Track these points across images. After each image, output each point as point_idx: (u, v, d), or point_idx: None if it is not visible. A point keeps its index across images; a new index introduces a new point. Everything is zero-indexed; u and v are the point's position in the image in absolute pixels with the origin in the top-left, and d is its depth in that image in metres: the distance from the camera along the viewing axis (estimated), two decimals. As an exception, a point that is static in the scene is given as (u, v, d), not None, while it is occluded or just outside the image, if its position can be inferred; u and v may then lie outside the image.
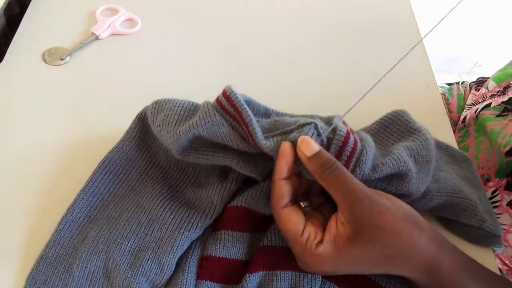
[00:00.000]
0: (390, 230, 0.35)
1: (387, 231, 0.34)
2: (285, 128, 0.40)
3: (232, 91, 0.39)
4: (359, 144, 0.39)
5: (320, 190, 0.43)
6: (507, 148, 0.58)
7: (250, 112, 0.39)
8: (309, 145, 0.37)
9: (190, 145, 0.43)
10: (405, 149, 0.41)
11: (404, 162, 0.39)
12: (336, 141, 0.38)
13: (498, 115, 0.62)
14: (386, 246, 0.35)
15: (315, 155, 0.36)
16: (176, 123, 0.41)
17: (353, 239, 0.35)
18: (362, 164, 0.38)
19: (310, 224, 0.37)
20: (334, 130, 0.39)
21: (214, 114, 0.39)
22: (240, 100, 0.39)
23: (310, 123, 0.39)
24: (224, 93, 0.40)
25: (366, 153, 0.38)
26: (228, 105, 0.39)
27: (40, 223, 0.45)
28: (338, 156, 0.38)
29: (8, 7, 0.66)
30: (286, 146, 0.37)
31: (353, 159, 0.38)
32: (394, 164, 0.39)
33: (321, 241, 0.36)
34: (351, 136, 0.39)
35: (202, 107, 0.41)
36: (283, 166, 0.37)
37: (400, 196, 0.41)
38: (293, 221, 0.37)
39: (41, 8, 0.66)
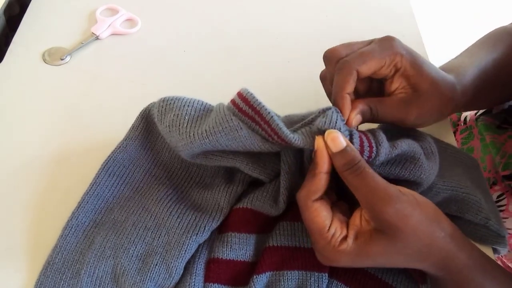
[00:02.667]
0: (411, 232, 0.35)
1: (408, 233, 0.35)
2: (307, 119, 0.40)
3: (249, 92, 0.38)
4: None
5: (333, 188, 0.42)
6: (506, 173, 0.58)
7: (270, 110, 0.38)
8: (336, 141, 0.36)
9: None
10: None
11: (416, 145, 0.40)
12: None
13: (498, 126, 0.61)
14: (406, 246, 0.35)
15: (340, 152, 0.36)
16: (187, 124, 0.40)
17: (374, 236, 0.35)
18: (382, 143, 0.38)
19: (336, 219, 0.37)
20: None
21: (231, 119, 0.38)
22: (257, 100, 0.38)
23: (330, 108, 0.39)
24: (240, 94, 0.39)
25: (380, 133, 0.39)
26: (245, 107, 0.38)
27: (41, 223, 0.45)
28: (361, 140, 0.38)
29: (8, 7, 0.66)
30: (321, 144, 0.37)
31: (372, 140, 0.38)
32: (409, 144, 0.40)
33: (345, 237, 0.36)
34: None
35: (217, 111, 0.39)
36: (324, 160, 0.37)
37: (411, 185, 0.41)
38: (321, 215, 0.37)
39: (41, 8, 0.66)
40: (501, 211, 0.60)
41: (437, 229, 0.36)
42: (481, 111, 0.65)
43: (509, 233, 0.59)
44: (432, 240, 0.36)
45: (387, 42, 0.41)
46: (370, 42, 0.42)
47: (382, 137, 0.39)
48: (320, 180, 0.37)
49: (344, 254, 0.36)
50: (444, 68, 0.47)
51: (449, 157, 0.51)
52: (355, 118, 0.39)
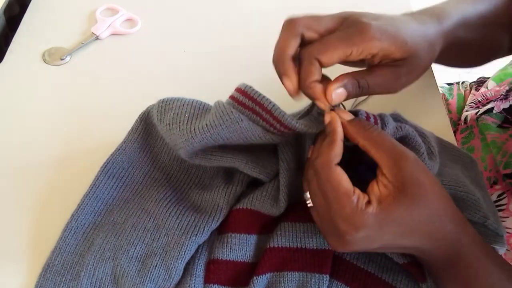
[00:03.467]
0: (431, 189, 0.36)
1: (429, 190, 0.36)
2: (302, 112, 0.42)
3: (248, 86, 0.39)
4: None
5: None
6: (507, 171, 0.58)
7: (270, 100, 0.38)
8: (347, 112, 0.39)
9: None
10: None
11: (420, 140, 0.41)
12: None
13: (499, 125, 0.61)
14: (427, 207, 0.36)
15: (354, 119, 0.38)
16: (187, 121, 0.40)
17: (398, 199, 0.35)
18: (388, 123, 0.39)
19: (354, 186, 0.38)
20: None
21: (231, 111, 0.38)
22: (257, 92, 0.38)
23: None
24: (239, 89, 0.39)
25: (387, 115, 0.40)
26: (245, 99, 0.39)
27: (41, 225, 0.45)
28: (367, 117, 0.39)
29: (8, 7, 0.66)
30: (334, 114, 0.38)
31: (378, 120, 0.39)
32: (414, 130, 0.40)
33: (369, 202, 0.36)
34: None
35: (216, 107, 0.39)
36: (340, 128, 0.38)
37: None
38: (345, 179, 0.37)
39: (41, 8, 0.66)
40: (501, 210, 0.60)
41: (448, 199, 0.37)
42: (481, 111, 0.65)
43: (509, 232, 0.59)
44: (445, 209, 0.37)
45: (354, 29, 0.39)
46: (341, 20, 0.42)
47: (388, 118, 0.39)
48: (339, 146, 0.37)
49: (372, 216, 0.35)
50: (427, 10, 0.47)
51: (448, 155, 0.51)
52: (337, 92, 0.38)
